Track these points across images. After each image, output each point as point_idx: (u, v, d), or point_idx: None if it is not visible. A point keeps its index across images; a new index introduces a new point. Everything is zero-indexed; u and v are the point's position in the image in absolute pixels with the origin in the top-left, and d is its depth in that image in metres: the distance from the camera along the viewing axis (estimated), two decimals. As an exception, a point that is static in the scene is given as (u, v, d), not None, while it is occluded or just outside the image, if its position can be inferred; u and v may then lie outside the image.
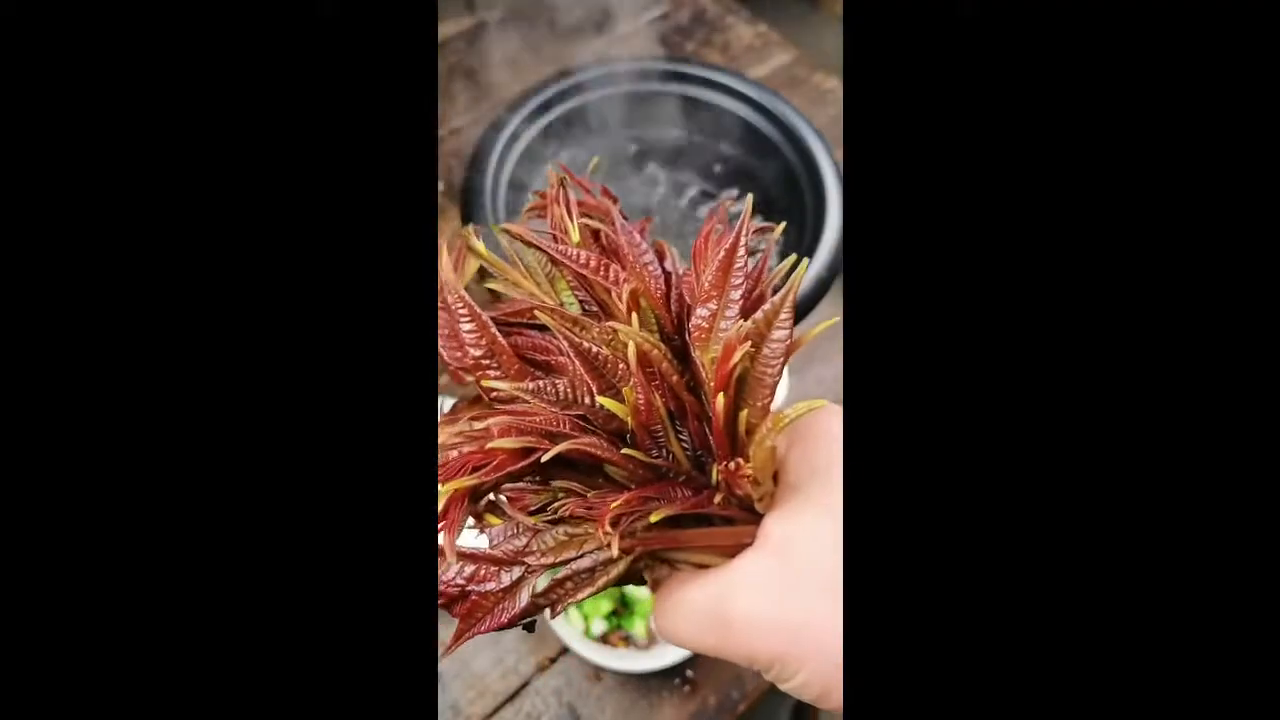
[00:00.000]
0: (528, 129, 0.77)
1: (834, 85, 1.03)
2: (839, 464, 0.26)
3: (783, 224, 0.31)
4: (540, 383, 0.27)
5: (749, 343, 0.26)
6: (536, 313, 0.27)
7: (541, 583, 0.27)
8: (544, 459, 0.25)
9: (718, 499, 0.26)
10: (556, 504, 0.27)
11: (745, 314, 0.27)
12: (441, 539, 0.26)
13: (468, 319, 0.28)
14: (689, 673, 0.68)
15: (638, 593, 0.68)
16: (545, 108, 0.79)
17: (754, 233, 0.28)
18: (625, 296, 0.27)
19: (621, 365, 0.26)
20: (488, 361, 0.28)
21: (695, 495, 0.27)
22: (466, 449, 0.27)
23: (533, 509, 0.27)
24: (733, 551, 0.27)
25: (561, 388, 0.27)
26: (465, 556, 0.27)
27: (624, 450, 0.26)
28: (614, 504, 0.25)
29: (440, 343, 0.29)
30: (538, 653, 0.68)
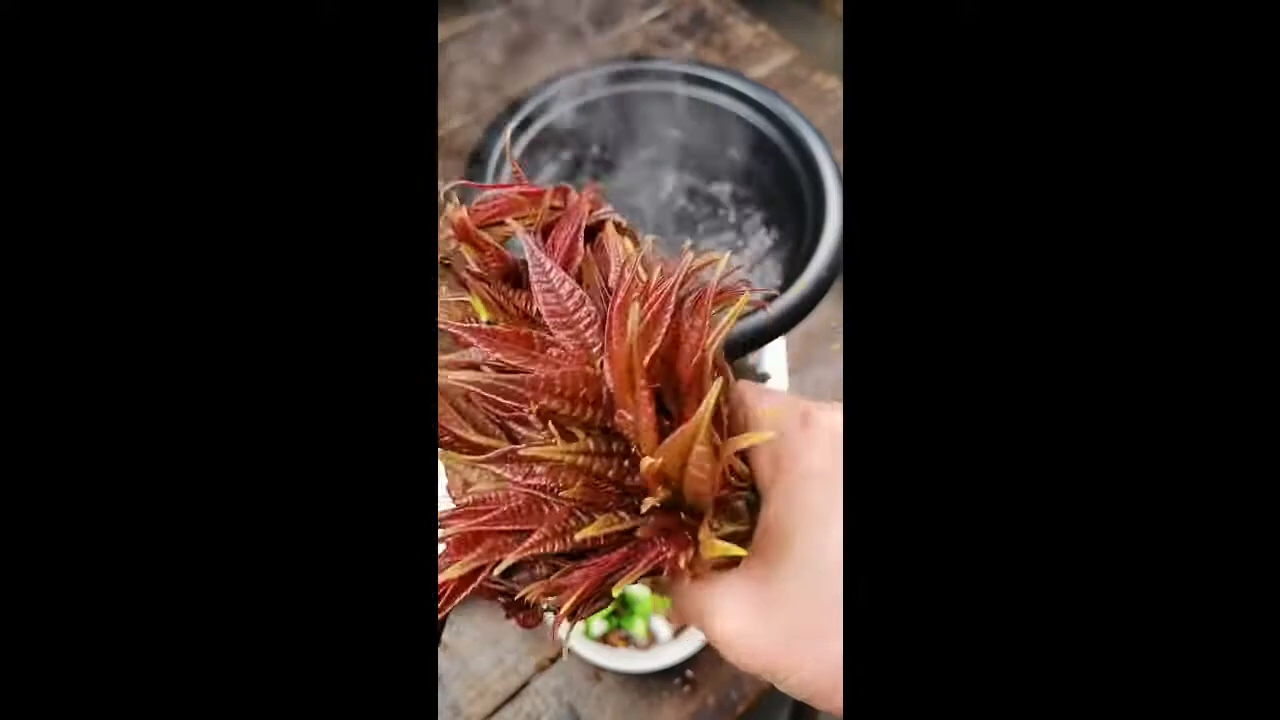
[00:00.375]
0: (527, 130, 0.77)
1: (834, 85, 1.03)
2: (828, 511, 0.25)
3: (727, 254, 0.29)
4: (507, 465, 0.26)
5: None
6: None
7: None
8: (496, 571, 0.26)
9: (645, 508, 0.25)
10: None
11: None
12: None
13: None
14: (689, 673, 0.68)
15: (638, 593, 0.68)
16: (544, 108, 0.78)
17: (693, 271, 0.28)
18: (533, 415, 0.26)
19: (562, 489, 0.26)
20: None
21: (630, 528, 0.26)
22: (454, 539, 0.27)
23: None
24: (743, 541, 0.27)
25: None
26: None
27: (581, 532, 0.25)
28: (567, 601, 0.25)
29: None
30: (538, 653, 0.68)
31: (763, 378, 0.73)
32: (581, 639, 0.66)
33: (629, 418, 0.25)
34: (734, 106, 0.83)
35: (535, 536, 0.25)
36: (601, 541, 0.26)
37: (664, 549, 0.25)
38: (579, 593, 0.25)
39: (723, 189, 0.87)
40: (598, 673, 0.68)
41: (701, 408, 0.23)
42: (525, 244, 0.28)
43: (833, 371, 0.81)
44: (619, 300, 0.26)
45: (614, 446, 0.26)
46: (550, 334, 0.27)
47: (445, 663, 0.67)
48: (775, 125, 0.82)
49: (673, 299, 0.26)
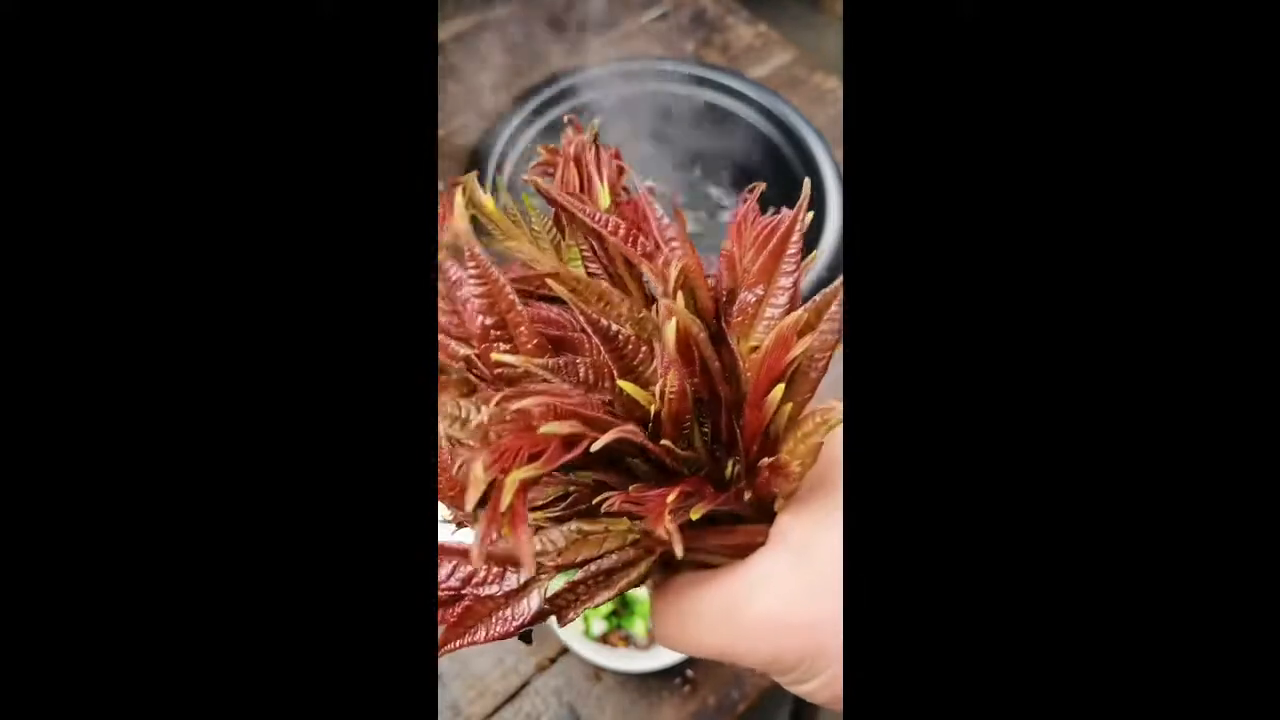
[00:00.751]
0: (526, 130, 0.77)
1: (834, 85, 1.03)
2: (838, 459, 0.25)
3: (810, 214, 0.27)
4: (562, 360, 0.23)
5: (809, 337, 0.24)
6: (550, 283, 0.24)
7: (554, 585, 0.25)
8: (594, 448, 0.21)
9: (747, 496, 0.24)
10: (571, 494, 0.24)
11: (791, 304, 0.25)
12: (514, 540, 0.21)
13: (478, 280, 0.23)
14: (689, 673, 0.68)
15: (638, 592, 0.68)
16: (543, 109, 0.79)
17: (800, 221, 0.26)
18: (674, 274, 0.24)
19: (644, 349, 0.23)
20: (498, 332, 0.23)
21: (721, 492, 0.24)
22: (507, 436, 0.22)
23: (538, 504, 0.24)
24: (743, 552, 0.25)
25: (583, 369, 0.23)
26: (464, 552, 0.24)
27: (663, 442, 0.23)
28: (670, 497, 0.22)
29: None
30: (538, 653, 0.68)
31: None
32: (581, 639, 0.66)
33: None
34: (734, 106, 0.84)
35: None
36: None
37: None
38: (677, 493, 0.22)
39: (722, 189, 0.87)
40: (598, 673, 0.68)
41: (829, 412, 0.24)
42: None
43: (833, 371, 0.82)
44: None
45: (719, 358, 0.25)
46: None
47: (445, 663, 0.67)
48: (775, 125, 0.82)
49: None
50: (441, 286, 0.24)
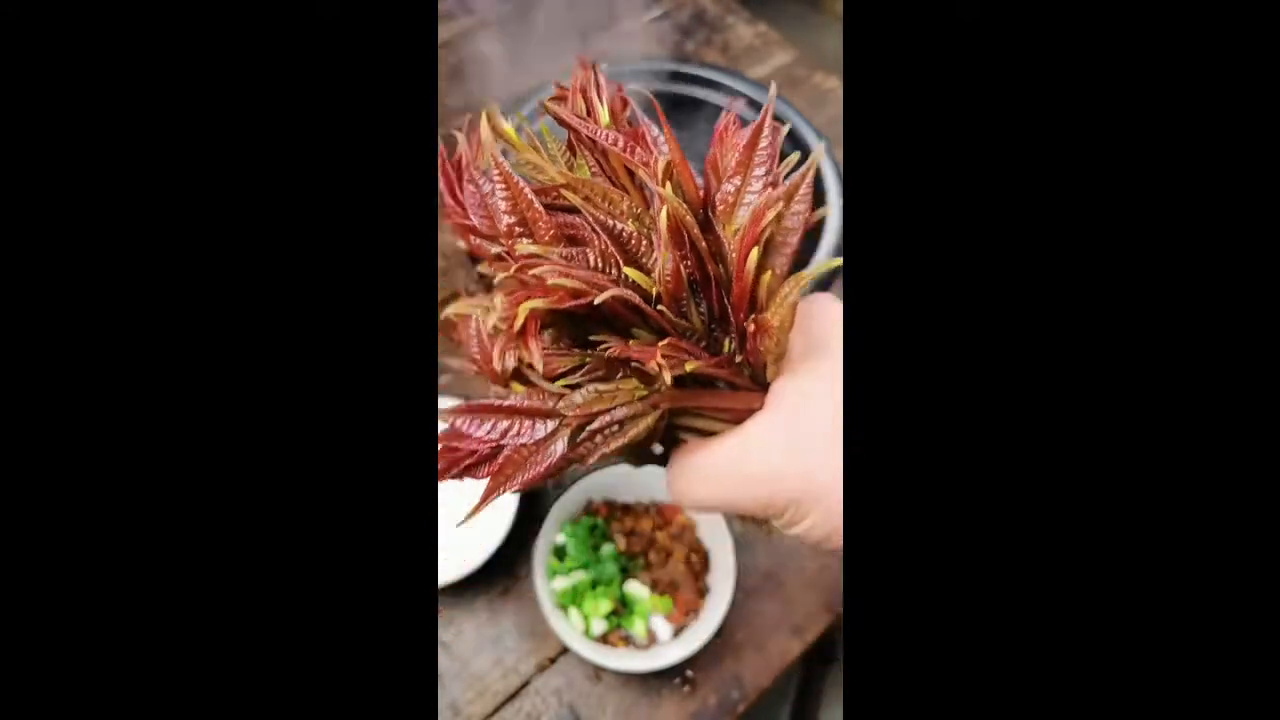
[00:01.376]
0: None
1: (834, 85, 1.03)
2: (839, 336, 0.29)
3: (788, 125, 0.32)
4: (574, 250, 0.27)
5: (778, 205, 0.28)
6: (565, 193, 0.28)
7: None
8: (597, 300, 0.26)
9: (736, 359, 0.29)
10: (588, 364, 0.29)
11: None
12: (525, 350, 0.27)
13: (503, 186, 0.28)
14: (689, 673, 0.68)
15: (637, 593, 0.68)
16: (543, 109, 0.78)
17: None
18: (660, 169, 0.28)
19: (645, 242, 0.28)
20: (521, 229, 0.28)
21: (715, 356, 0.29)
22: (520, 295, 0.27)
23: (560, 372, 0.29)
24: (742, 418, 0.29)
25: (592, 257, 0.27)
26: (497, 410, 0.28)
27: (658, 307, 0.27)
28: (661, 344, 0.27)
29: (466, 212, 0.30)
30: (538, 653, 0.68)
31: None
32: (581, 639, 0.66)
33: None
34: (734, 106, 0.84)
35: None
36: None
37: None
38: (667, 342, 0.27)
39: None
40: (598, 673, 0.68)
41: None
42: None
43: (833, 371, 0.81)
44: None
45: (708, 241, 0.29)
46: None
47: (445, 663, 0.67)
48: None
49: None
50: (474, 195, 0.29)
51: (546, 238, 0.28)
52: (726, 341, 0.29)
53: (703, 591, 0.69)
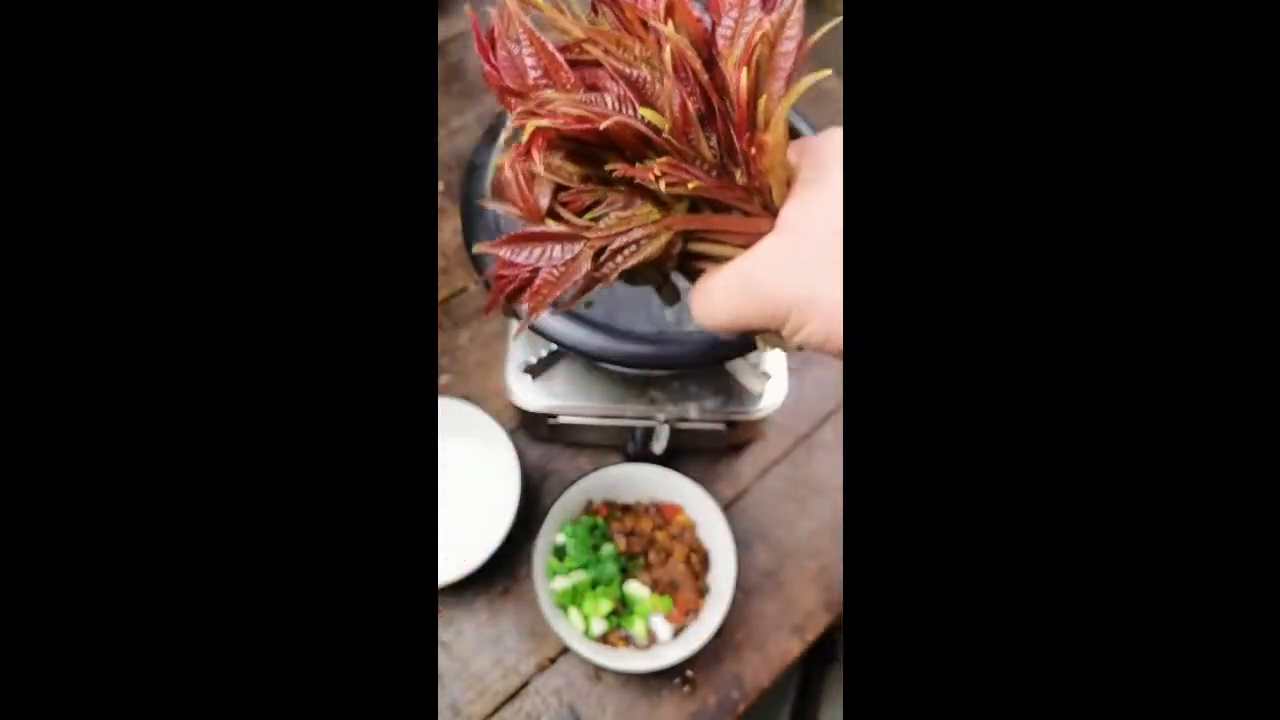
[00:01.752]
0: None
1: (834, 85, 1.03)
2: (839, 160, 0.31)
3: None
4: (591, 95, 0.31)
5: (764, 26, 0.30)
6: (587, 47, 0.32)
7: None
8: (602, 126, 0.29)
9: (740, 180, 0.32)
10: (609, 198, 0.32)
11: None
12: (535, 159, 0.31)
13: (528, 42, 0.32)
14: (689, 673, 0.68)
15: (637, 593, 0.68)
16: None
17: None
18: (663, 8, 0.31)
19: (659, 85, 0.31)
20: (545, 81, 0.32)
21: (721, 179, 0.32)
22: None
23: (587, 205, 0.33)
24: (753, 243, 0.32)
25: (610, 100, 0.31)
26: (531, 238, 0.32)
27: (664, 135, 0.30)
28: (659, 162, 0.30)
29: (500, 75, 0.33)
30: (538, 653, 0.68)
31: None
32: (581, 639, 0.66)
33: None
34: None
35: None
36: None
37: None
38: (666, 159, 0.30)
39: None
40: (598, 673, 0.68)
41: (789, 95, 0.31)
42: None
43: (833, 372, 0.82)
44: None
45: (712, 77, 0.32)
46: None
47: (445, 663, 0.67)
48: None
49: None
50: (507, 58, 0.33)
51: (568, 87, 0.32)
52: (738, 173, 0.32)
53: (703, 591, 0.69)
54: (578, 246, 0.33)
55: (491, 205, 0.35)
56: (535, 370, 0.67)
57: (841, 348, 0.29)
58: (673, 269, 0.35)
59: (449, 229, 0.88)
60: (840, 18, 0.31)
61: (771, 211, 0.33)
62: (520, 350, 0.68)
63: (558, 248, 0.33)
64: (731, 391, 0.67)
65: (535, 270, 0.33)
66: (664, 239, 0.33)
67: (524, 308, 0.33)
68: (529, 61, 0.32)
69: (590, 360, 0.59)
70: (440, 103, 0.97)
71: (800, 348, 0.32)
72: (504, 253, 0.33)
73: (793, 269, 0.31)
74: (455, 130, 0.96)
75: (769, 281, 0.31)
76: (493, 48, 0.33)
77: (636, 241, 0.33)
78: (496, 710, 0.66)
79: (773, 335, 0.34)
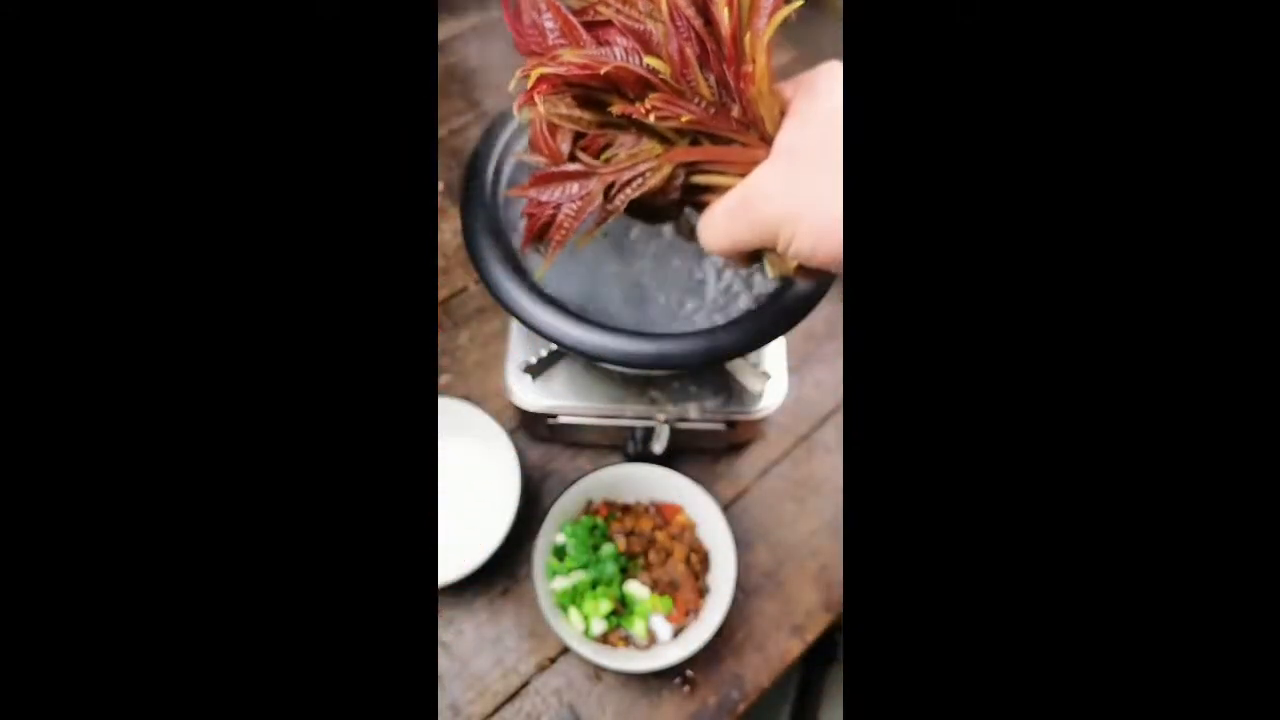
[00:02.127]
0: (526, 130, 0.76)
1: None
2: (830, 91, 0.34)
3: None
4: (601, 49, 0.35)
5: None
6: (599, 8, 0.36)
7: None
8: (603, 70, 0.34)
9: (736, 113, 0.36)
10: (619, 140, 0.37)
11: None
12: (542, 104, 0.36)
13: (546, 9, 0.36)
14: (689, 673, 0.68)
15: (637, 593, 0.68)
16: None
17: None
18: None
19: (659, 38, 0.35)
20: (563, 41, 0.36)
21: (716, 113, 0.36)
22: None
23: (601, 146, 0.37)
24: (750, 170, 0.35)
25: (618, 52, 0.35)
26: (553, 177, 0.37)
27: (661, 76, 0.34)
28: (651, 98, 0.34)
29: (526, 41, 0.37)
30: (538, 653, 0.68)
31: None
32: (581, 639, 0.66)
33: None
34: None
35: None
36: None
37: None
38: (657, 95, 0.34)
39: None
40: (598, 673, 0.68)
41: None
42: None
43: (833, 372, 0.82)
44: None
45: (706, 24, 0.35)
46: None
47: (445, 663, 0.67)
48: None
49: None
50: (530, 22, 0.37)
51: (582, 44, 0.36)
52: (734, 107, 0.36)
53: (703, 591, 0.69)
54: (591, 182, 0.37)
55: (526, 158, 0.39)
56: (535, 370, 0.67)
57: (827, 258, 0.32)
58: (679, 201, 0.38)
59: (449, 229, 0.88)
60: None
61: (767, 141, 0.36)
62: (520, 350, 0.68)
63: (575, 185, 0.37)
64: (731, 391, 0.67)
65: (558, 208, 0.37)
66: (666, 170, 0.36)
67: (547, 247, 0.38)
68: (549, 25, 0.36)
69: (590, 360, 0.59)
70: (440, 103, 0.97)
71: (798, 266, 0.36)
72: (532, 193, 0.38)
73: (781, 188, 0.34)
74: (455, 130, 0.96)
75: (761, 201, 0.34)
76: (520, 15, 0.38)
77: (642, 174, 0.37)
78: (496, 710, 0.66)
79: (774, 256, 0.37)
